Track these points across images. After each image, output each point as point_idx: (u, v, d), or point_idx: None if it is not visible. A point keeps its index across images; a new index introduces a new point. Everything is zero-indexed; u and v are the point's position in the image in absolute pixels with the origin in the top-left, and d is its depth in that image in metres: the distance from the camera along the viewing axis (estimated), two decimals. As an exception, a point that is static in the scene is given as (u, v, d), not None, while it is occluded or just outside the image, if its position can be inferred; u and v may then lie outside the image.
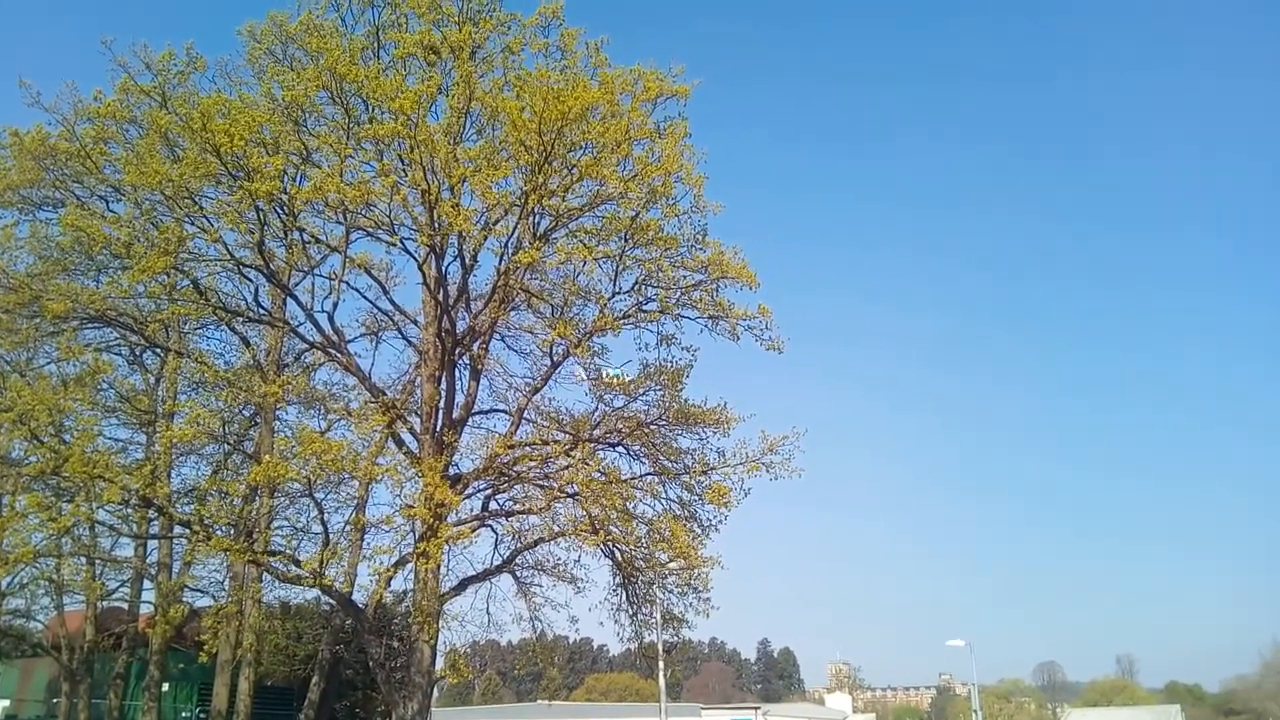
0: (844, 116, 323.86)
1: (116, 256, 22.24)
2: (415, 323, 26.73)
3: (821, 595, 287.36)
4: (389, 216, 21.46)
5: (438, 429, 23.44)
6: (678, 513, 24.65)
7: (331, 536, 24.20)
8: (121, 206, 23.88)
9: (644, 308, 23.06)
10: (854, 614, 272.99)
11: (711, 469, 24.15)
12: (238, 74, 25.66)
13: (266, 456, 21.97)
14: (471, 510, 24.33)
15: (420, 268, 23.78)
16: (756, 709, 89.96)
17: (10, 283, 22.67)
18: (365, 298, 25.76)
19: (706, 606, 25.49)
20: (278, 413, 30.52)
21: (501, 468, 23.75)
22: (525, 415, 25.07)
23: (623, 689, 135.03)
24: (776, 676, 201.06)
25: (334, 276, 23.61)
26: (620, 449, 25.20)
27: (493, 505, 25.10)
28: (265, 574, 26.36)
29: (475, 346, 24.28)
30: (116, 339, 28.10)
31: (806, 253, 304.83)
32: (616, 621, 26.67)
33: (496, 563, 25.38)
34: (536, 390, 25.01)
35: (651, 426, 24.72)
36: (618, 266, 22.10)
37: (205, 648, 24.14)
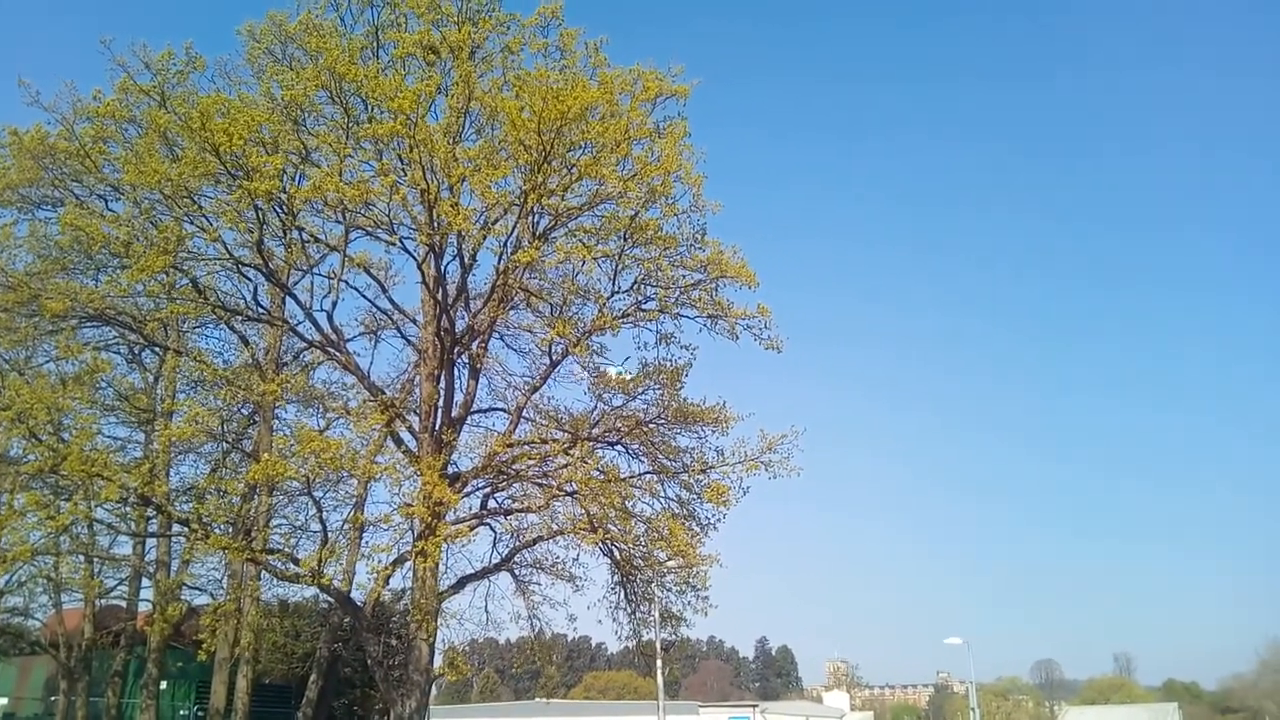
0: (843, 115, 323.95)
1: (115, 255, 22.26)
2: (414, 321, 26.76)
3: (820, 594, 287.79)
4: (388, 216, 21.49)
5: (436, 427, 23.47)
6: (676, 511, 24.69)
7: (330, 535, 24.24)
8: (120, 205, 23.94)
9: (643, 307, 23.10)
10: (852, 612, 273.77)
11: (710, 468, 24.20)
12: (237, 73, 25.74)
13: (265, 455, 22.00)
14: (470, 509, 24.38)
15: (419, 267, 23.81)
16: (754, 707, 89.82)
17: (9, 281, 22.70)
18: (364, 297, 25.82)
19: (705, 605, 25.57)
20: (276, 411, 30.56)
21: (500, 466, 23.78)
22: (524, 414, 25.10)
23: (621, 687, 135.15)
24: (774, 675, 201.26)
25: (333, 275, 23.62)
26: (619, 448, 25.24)
27: (491, 504, 25.15)
28: (264, 572, 26.38)
29: (474, 345, 24.31)
30: (115, 337, 28.12)
31: (805, 251, 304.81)
32: (615, 620, 26.74)
33: (495, 561, 25.43)
34: (535, 389, 25.05)
35: (650, 425, 24.75)
36: (617, 266, 22.14)
37: (203, 646, 24.14)
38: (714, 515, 24.53)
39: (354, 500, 30.11)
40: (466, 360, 24.62)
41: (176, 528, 24.78)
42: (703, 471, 24.34)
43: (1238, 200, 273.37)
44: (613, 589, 26.43)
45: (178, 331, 28.75)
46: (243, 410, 30.29)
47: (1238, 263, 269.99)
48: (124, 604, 39.89)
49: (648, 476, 24.98)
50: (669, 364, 23.92)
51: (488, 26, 22.47)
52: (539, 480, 24.15)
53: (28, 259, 25.25)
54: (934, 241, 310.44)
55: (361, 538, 28.56)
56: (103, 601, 39.77)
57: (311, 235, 23.62)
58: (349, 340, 26.21)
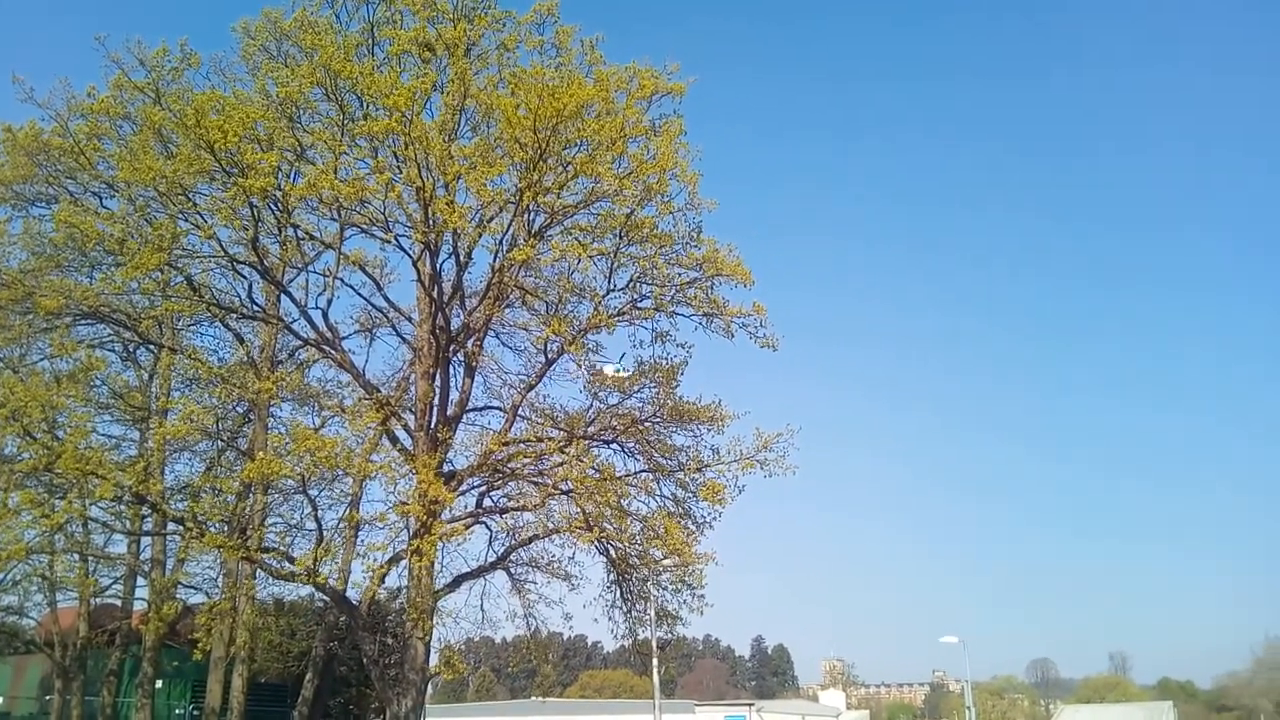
0: (841, 113, 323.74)
1: (110, 253, 22.19)
2: (410, 320, 26.72)
3: (816, 592, 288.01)
4: (383, 213, 21.44)
5: (432, 426, 23.44)
6: (672, 510, 24.69)
7: (325, 533, 24.21)
8: (115, 203, 23.87)
9: (639, 305, 23.09)
10: (848, 611, 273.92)
11: (706, 466, 24.21)
12: (232, 70, 25.68)
13: (260, 453, 21.98)
14: (466, 507, 24.37)
15: (415, 265, 23.75)
16: (750, 706, 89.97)
17: (3, 279, 22.66)
18: (359, 295, 25.74)
19: (700, 604, 25.56)
20: (271, 409, 30.51)
21: (496, 464, 23.78)
22: (520, 412, 25.10)
23: (617, 686, 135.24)
24: (770, 673, 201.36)
25: (328, 273, 23.58)
26: (615, 446, 25.24)
27: (487, 502, 25.14)
28: (259, 571, 26.33)
29: (470, 343, 24.28)
30: (110, 335, 28.05)
31: (801, 250, 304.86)
32: (610, 618, 26.77)
33: (491, 559, 25.44)
34: (531, 387, 25.03)
35: (646, 424, 24.76)
36: (612, 264, 22.12)
37: (199, 645, 24.15)
38: (710, 514, 24.60)
39: (349, 499, 30.13)
40: (462, 358, 24.59)
41: (171, 526, 24.75)
42: (698, 470, 24.35)
43: (1236, 199, 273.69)
44: (608, 587, 26.48)
45: (172, 329, 28.70)
46: (238, 408, 30.24)
47: (1237, 262, 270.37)
48: (119, 603, 39.83)
49: (643, 475, 24.99)
50: (664, 362, 23.94)
51: (483, 24, 22.44)
52: (534, 479, 24.15)
53: (22, 256, 25.24)
54: (931, 240, 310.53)
55: (357, 536, 28.58)
56: (98, 600, 39.71)
57: (306, 233, 23.57)
58: (344, 338, 26.20)
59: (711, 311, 22.78)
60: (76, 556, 33.20)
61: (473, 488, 24.53)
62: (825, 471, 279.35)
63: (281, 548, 24.01)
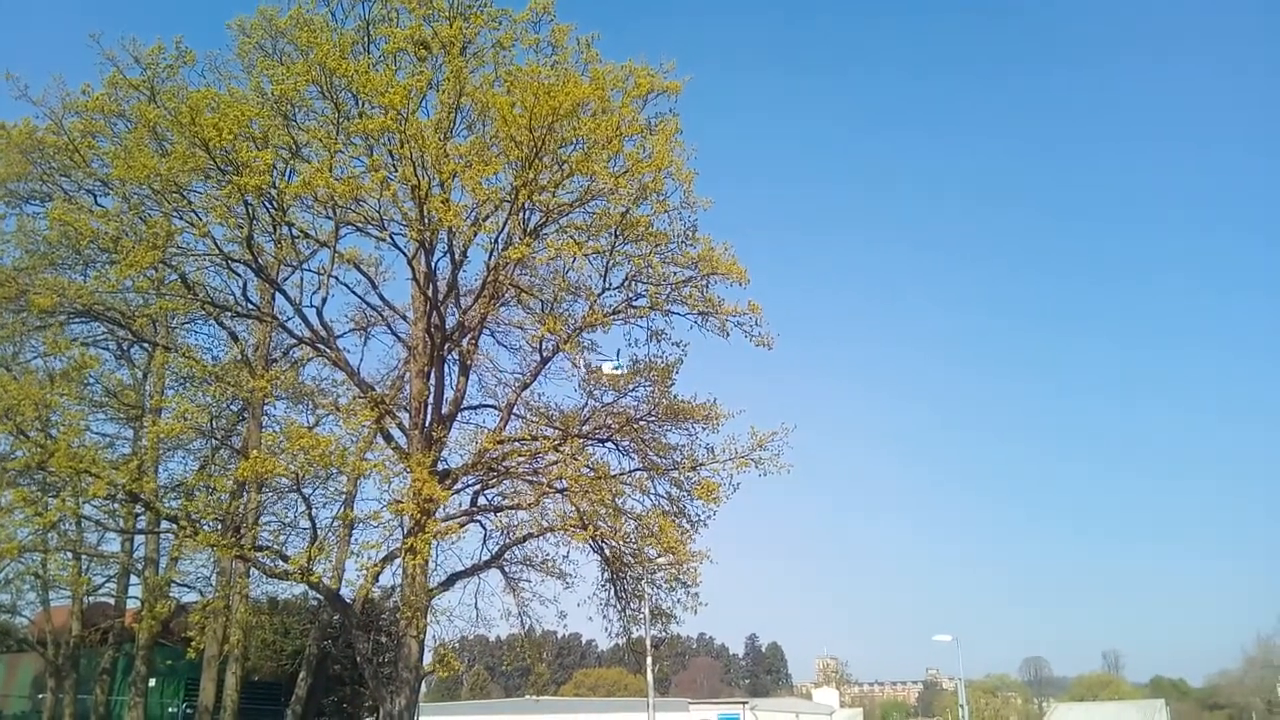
0: (837, 111, 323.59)
1: (104, 251, 22.15)
2: (404, 318, 26.73)
3: (810, 590, 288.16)
4: (378, 212, 21.43)
5: (426, 424, 23.44)
6: (667, 508, 24.71)
7: (319, 532, 24.23)
8: (109, 200, 23.81)
9: (634, 303, 23.13)
10: (842, 609, 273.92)
11: (700, 465, 24.24)
12: (227, 68, 25.55)
13: (254, 451, 21.93)
14: (460, 505, 24.35)
15: (410, 263, 23.77)
16: (744, 704, 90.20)
17: (-3, 277, 22.56)
18: (354, 293, 25.79)
19: (695, 602, 25.58)
20: (266, 408, 30.49)
21: (490, 463, 23.78)
22: (514, 410, 25.09)
23: (611, 684, 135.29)
24: (764, 671, 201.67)
25: (323, 271, 23.56)
26: (609, 445, 25.25)
27: (481, 500, 25.12)
28: (253, 569, 26.29)
29: (465, 342, 24.27)
30: (104, 333, 27.99)
31: (799, 248, 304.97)
32: (605, 617, 26.78)
33: (485, 558, 25.41)
34: (526, 386, 25.03)
35: (641, 422, 24.78)
36: (608, 262, 22.15)
37: (192, 643, 24.16)
38: (704, 512, 24.62)
39: (344, 497, 30.12)
40: (457, 357, 24.58)
41: (165, 524, 24.66)
42: (693, 469, 24.37)
43: (1237, 196, 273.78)
44: (603, 586, 26.47)
45: (166, 327, 28.64)
46: (232, 407, 30.20)
47: (1237, 261, 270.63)
48: (112, 601, 39.82)
49: (638, 473, 25.01)
50: (660, 361, 23.95)
51: (479, 22, 22.40)
52: (529, 477, 24.14)
53: (15, 254, 25.15)
54: (930, 238, 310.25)
55: (351, 535, 28.59)
56: (91, 599, 39.69)
57: (301, 231, 23.54)
58: (339, 337, 26.12)
59: (707, 310, 22.83)
60: (70, 555, 33.11)
61: (467, 486, 24.54)
62: (819, 469, 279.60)
63: (275, 546, 23.96)
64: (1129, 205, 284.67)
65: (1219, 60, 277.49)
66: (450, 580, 24.73)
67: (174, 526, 21.66)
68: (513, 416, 25.00)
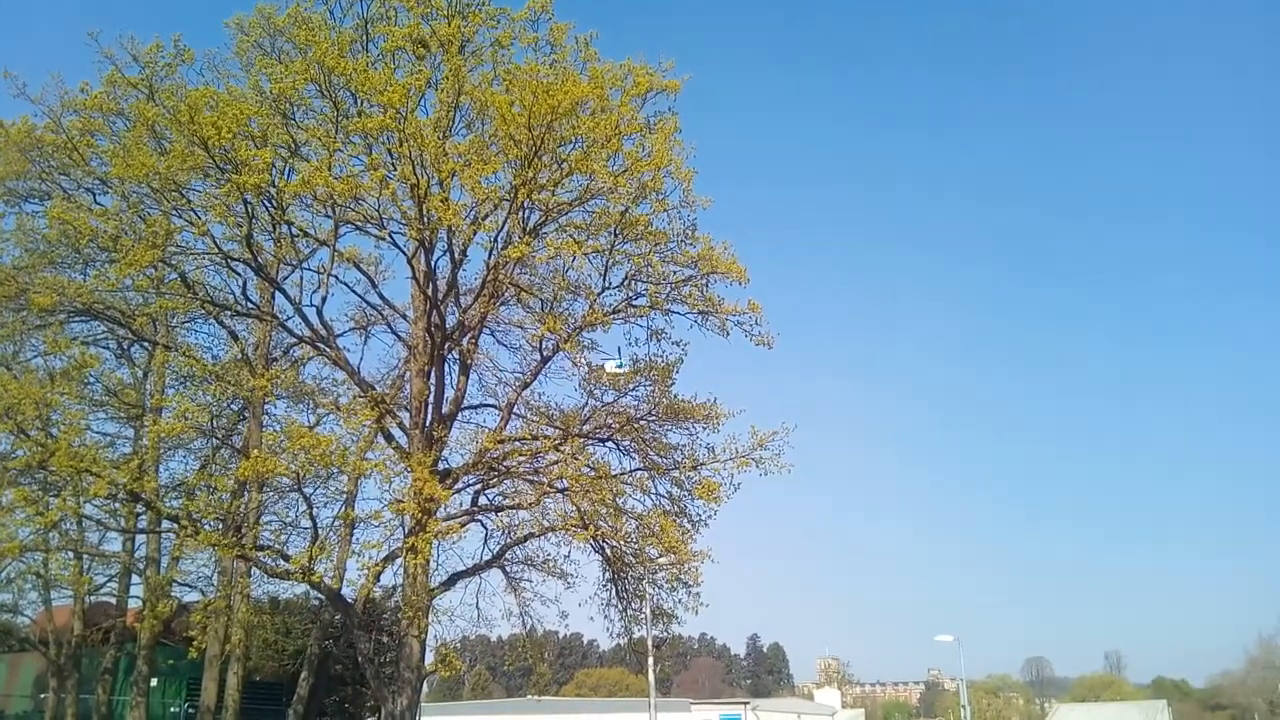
0: (840, 110, 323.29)
1: (104, 249, 22.15)
2: (404, 317, 26.70)
3: (811, 590, 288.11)
4: (378, 210, 21.40)
5: (427, 424, 23.41)
6: (667, 508, 24.67)
7: (320, 531, 24.19)
8: (108, 199, 23.83)
9: (634, 303, 23.08)
10: (843, 609, 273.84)
11: (701, 464, 24.19)
12: (226, 67, 25.53)
13: (255, 451, 21.93)
14: (461, 505, 24.32)
15: (409, 262, 23.74)
16: (746, 704, 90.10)
17: (-3, 276, 22.56)
18: (354, 292, 25.75)
19: (696, 602, 25.52)
20: (266, 407, 30.47)
21: (491, 463, 23.76)
22: (515, 410, 25.07)
23: (612, 684, 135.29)
24: (766, 672, 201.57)
25: (323, 270, 23.53)
26: (610, 444, 25.21)
27: (482, 500, 25.09)
28: (254, 569, 26.30)
29: (464, 341, 24.25)
30: (104, 332, 27.98)
31: (799, 247, 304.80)
32: (606, 617, 26.74)
33: (486, 558, 25.39)
34: (526, 385, 25.00)
35: (641, 422, 24.75)
36: (607, 261, 22.11)
37: (194, 643, 24.14)
38: (705, 512, 24.57)
39: (344, 497, 30.10)
40: (457, 356, 24.56)
41: (166, 524, 24.64)
42: (694, 468, 24.33)
43: (1239, 195, 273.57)
44: (604, 586, 26.44)
45: (166, 326, 28.65)
46: (232, 406, 30.20)
47: (1235, 261, 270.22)
48: (114, 601, 39.81)
49: (639, 473, 24.97)
50: (660, 360, 23.91)
51: (478, 20, 22.37)
52: (530, 477, 24.12)
53: (15, 253, 25.14)
54: (929, 238, 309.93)
55: (352, 534, 28.56)
56: (92, 598, 39.71)
57: (301, 230, 23.50)
58: (339, 336, 26.07)
59: (707, 309, 22.78)
60: (71, 554, 33.16)
61: (468, 486, 24.52)
62: (821, 468, 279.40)
63: (276, 546, 23.96)
64: (1129, 205, 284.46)
65: (1219, 60, 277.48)
66: (451, 580, 24.72)
67: (175, 526, 21.64)
68: (513, 416, 24.98)
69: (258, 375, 24.24)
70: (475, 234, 21.85)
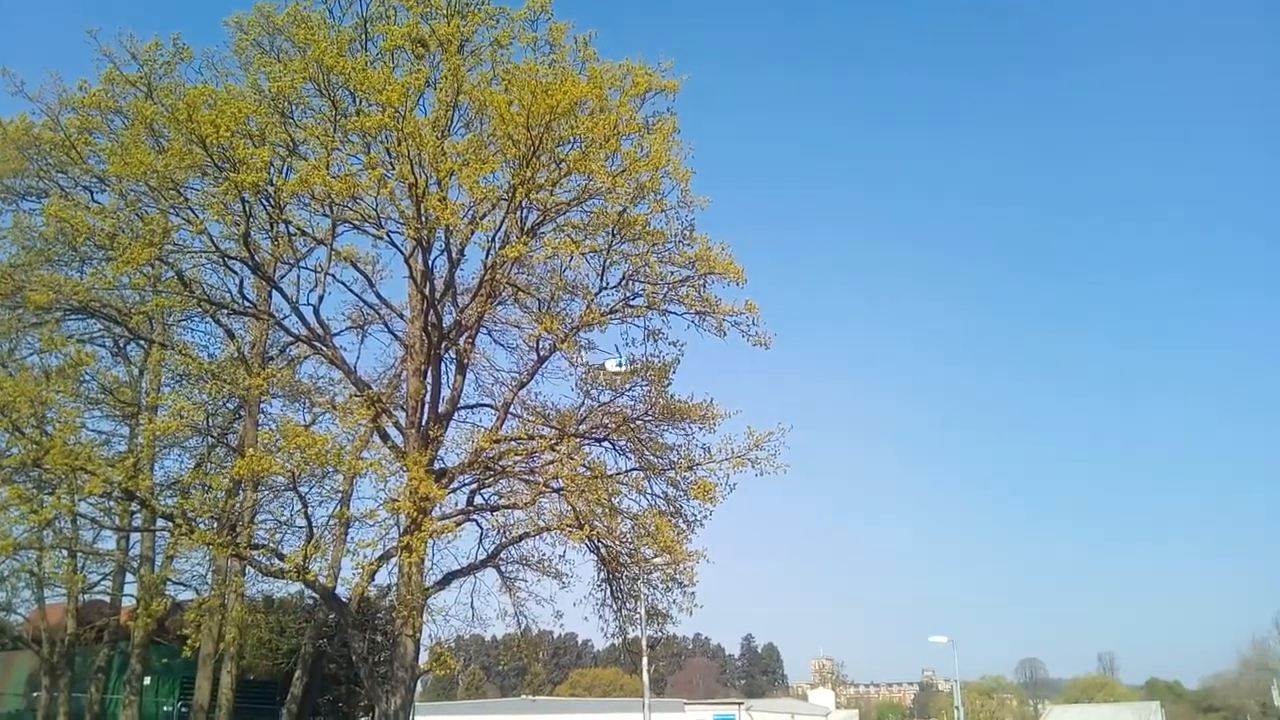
0: (839, 109, 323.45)
1: (100, 247, 22.13)
2: (401, 317, 26.68)
3: (806, 591, 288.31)
4: (375, 209, 21.39)
5: (423, 423, 23.41)
6: (663, 508, 24.67)
7: (315, 530, 24.13)
8: (106, 197, 23.82)
9: (631, 303, 23.09)
10: (838, 610, 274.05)
11: (697, 465, 24.18)
12: (224, 65, 25.52)
13: (250, 450, 21.90)
14: (456, 504, 24.29)
15: (407, 261, 23.72)
16: (740, 704, 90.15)
17: (-7, 273, 22.52)
18: (351, 291, 25.71)
19: (691, 603, 25.53)
20: (262, 406, 30.45)
21: (487, 462, 23.74)
22: (511, 410, 25.07)
23: (607, 684, 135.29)
24: (760, 672, 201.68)
25: (320, 269, 23.53)
26: (606, 444, 25.22)
27: (478, 500, 25.08)
28: (248, 568, 26.23)
29: (461, 341, 24.25)
30: (100, 330, 27.96)
31: (798, 247, 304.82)
32: (601, 617, 26.74)
33: (481, 557, 25.37)
34: (523, 385, 25.00)
35: (637, 422, 24.75)
36: (605, 261, 22.13)
37: (188, 642, 24.07)
38: (701, 512, 24.56)
39: (340, 496, 30.03)
40: (454, 356, 24.56)
41: (160, 523, 24.66)
42: (690, 468, 24.32)
43: (1235, 198, 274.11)
44: (599, 586, 26.44)
45: (163, 325, 28.57)
46: (228, 404, 30.16)
47: (1235, 261, 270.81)
48: (107, 599, 39.69)
49: (635, 473, 24.96)
50: (657, 360, 23.93)
51: (477, 20, 22.39)
52: (526, 476, 24.09)
53: (12, 250, 25.15)
54: (929, 238, 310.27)
55: (347, 533, 28.44)
56: (86, 597, 39.56)
57: (298, 229, 23.48)
58: (335, 335, 26.10)
59: (704, 310, 22.79)
60: (65, 552, 33.08)
61: (464, 485, 24.50)
62: (819, 469, 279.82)
63: (271, 545, 23.92)
64: (1129, 205, 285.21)
65: (1219, 60, 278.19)
66: (446, 579, 24.70)
67: (170, 524, 21.63)
68: (509, 415, 24.99)
69: (254, 374, 24.21)
70: (473, 233, 21.86)
